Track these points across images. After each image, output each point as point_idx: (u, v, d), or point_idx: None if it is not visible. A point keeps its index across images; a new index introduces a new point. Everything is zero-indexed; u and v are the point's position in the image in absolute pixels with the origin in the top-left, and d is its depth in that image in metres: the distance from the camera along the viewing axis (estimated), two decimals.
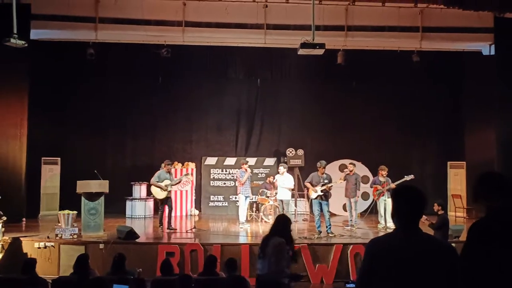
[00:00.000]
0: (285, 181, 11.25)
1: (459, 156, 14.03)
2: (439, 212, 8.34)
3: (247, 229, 11.12)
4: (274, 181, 11.94)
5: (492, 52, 12.78)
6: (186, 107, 14.44)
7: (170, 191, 10.93)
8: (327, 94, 14.50)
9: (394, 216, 2.59)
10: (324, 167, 10.53)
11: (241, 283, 5.80)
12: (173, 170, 12.24)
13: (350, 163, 11.53)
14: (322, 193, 10.25)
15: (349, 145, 14.32)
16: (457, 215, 13.18)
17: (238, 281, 5.83)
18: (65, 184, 12.54)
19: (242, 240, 9.95)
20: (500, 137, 12.37)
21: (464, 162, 13.83)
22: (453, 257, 2.42)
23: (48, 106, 13.08)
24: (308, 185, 10.46)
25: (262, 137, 14.88)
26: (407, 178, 10.71)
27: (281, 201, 11.23)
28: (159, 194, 10.80)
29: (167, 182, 10.78)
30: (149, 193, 13.15)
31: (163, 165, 13.08)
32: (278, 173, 11.50)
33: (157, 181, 10.78)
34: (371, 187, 11.48)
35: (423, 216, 9.75)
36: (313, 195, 10.34)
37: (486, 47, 13.02)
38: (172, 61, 12.68)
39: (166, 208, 10.92)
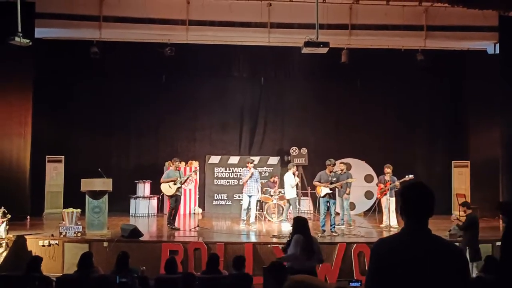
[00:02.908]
0: (292, 179, 11.29)
1: (463, 155, 13.99)
2: (467, 212, 8.29)
3: (250, 228, 10.99)
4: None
5: (497, 51, 12.73)
6: (190, 106, 14.44)
7: (179, 189, 10.94)
8: (331, 92, 14.49)
9: (401, 214, 2.53)
10: (334, 165, 10.51)
11: (246, 280, 5.80)
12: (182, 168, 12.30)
13: (341, 162, 11.51)
14: (331, 191, 10.24)
15: (353, 144, 14.29)
16: (461, 214, 13.11)
17: (242, 278, 5.84)
18: (69, 182, 12.58)
19: (245, 238, 9.97)
20: (504, 136, 12.34)
21: (468, 161, 13.80)
22: (459, 259, 2.36)
23: (52, 105, 13.13)
24: (317, 183, 10.43)
25: (265, 135, 14.88)
26: (406, 178, 10.67)
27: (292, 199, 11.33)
28: (168, 191, 10.85)
29: (176, 177, 10.87)
30: (154, 191, 13.24)
31: (167, 163, 13.19)
32: (289, 171, 11.45)
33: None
34: (377, 185, 11.46)
35: (454, 215, 9.67)
36: (322, 193, 10.31)
37: (490, 46, 12.97)
38: (176, 59, 12.67)
39: (170, 206, 10.98)
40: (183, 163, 13.18)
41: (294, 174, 11.42)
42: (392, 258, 2.39)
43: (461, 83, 14.20)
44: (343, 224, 11.07)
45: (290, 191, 11.24)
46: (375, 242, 2.56)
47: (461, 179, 14.03)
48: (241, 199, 11.99)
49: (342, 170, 11.23)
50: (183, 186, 11.26)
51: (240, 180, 13.61)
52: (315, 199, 12.18)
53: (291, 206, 11.44)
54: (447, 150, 14.41)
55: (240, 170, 13.89)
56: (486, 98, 12.85)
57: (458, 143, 14.22)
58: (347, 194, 11.08)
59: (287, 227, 10.74)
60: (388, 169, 11.12)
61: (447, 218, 9.65)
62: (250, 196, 11.17)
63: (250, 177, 11.07)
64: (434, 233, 2.44)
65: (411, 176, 10.66)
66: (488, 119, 12.99)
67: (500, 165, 12.30)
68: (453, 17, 12.27)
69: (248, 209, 11.25)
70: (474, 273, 7.32)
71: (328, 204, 10.33)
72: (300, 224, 6.01)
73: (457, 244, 8.99)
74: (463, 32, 12.52)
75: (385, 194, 11.06)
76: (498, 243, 8.11)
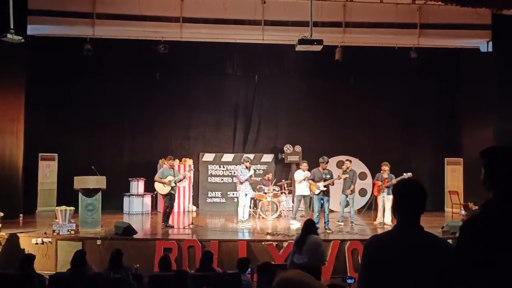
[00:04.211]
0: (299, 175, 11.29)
1: (456, 153, 14.06)
2: (473, 208, 8.42)
3: (248, 227, 10.89)
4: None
5: (490, 49, 12.79)
6: (184, 103, 14.41)
7: (173, 187, 10.87)
8: (325, 90, 14.49)
9: (394, 211, 2.55)
10: (327, 163, 10.54)
11: (237, 278, 5.81)
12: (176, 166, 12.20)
13: (347, 160, 11.53)
14: (324, 189, 10.27)
15: (347, 142, 14.32)
16: (454, 211, 13.22)
17: (233, 275, 5.85)
18: (63, 180, 12.54)
19: (239, 236, 9.96)
20: (497, 133, 12.39)
21: (461, 159, 13.87)
22: (450, 255, 2.35)
23: (45, 102, 13.05)
24: (311, 181, 10.45)
25: (259, 133, 14.88)
26: (405, 176, 10.69)
27: (304, 196, 11.28)
28: (162, 190, 10.81)
29: (170, 178, 10.79)
30: (147, 189, 13.20)
31: (161, 161, 13.16)
32: (300, 169, 11.34)
33: (161, 178, 10.81)
34: (374, 183, 11.47)
35: (463, 212, 9.75)
36: (316, 191, 10.33)
37: (484, 44, 13.04)
38: (170, 57, 12.63)
39: (165, 204, 10.94)
40: (177, 161, 13.17)
41: (303, 169, 11.24)
42: (384, 255, 2.41)
43: (455, 81, 14.26)
44: (343, 222, 11.10)
45: (297, 188, 11.19)
46: (368, 239, 2.58)
47: (454, 176, 14.10)
48: (235, 197, 11.97)
49: (347, 168, 11.23)
50: (177, 184, 11.20)
51: (234, 178, 13.58)
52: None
53: (301, 203, 11.32)
54: (440, 147, 14.47)
55: (236, 167, 13.86)
56: (479, 96, 12.90)
57: (451, 140, 14.28)
58: (350, 190, 11.08)
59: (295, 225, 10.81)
60: (385, 167, 11.12)
61: (440, 215, 9.73)
62: (246, 194, 11.09)
63: (251, 176, 11.02)
64: (427, 230, 2.45)
65: (409, 174, 10.65)
66: (482, 116, 13.04)
67: None
68: (446, 15, 12.31)
69: (242, 206, 11.17)
70: None
71: (321, 202, 10.36)
72: (303, 225, 6.63)
73: (450, 241, 9.07)
74: (456, 30, 12.57)
75: (382, 192, 11.07)
76: None
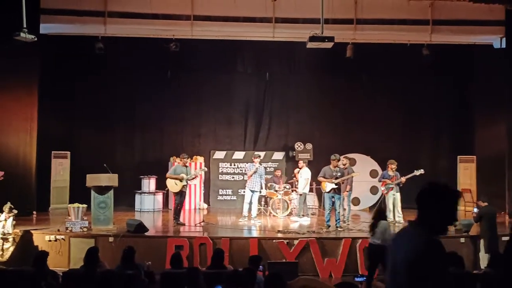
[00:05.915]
0: (306, 173, 11.44)
1: (469, 150, 13.93)
2: (482, 205, 8.51)
3: (254, 223, 10.95)
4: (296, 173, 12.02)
5: (504, 45, 12.62)
6: (195, 101, 14.46)
7: (185, 186, 10.85)
8: (336, 87, 14.44)
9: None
10: (338, 160, 10.50)
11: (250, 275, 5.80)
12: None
13: (344, 157, 11.45)
14: (336, 187, 10.24)
15: (358, 139, 14.26)
16: (467, 209, 13.09)
17: (244, 273, 5.84)
18: (75, 177, 12.64)
19: (250, 233, 9.98)
20: (511, 131, 12.25)
21: (474, 156, 13.73)
22: (413, 255, 2.43)
23: (58, 100, 13.16)
24: (322, 179, 10.42)
25: (270, 131, 14.86)
26: (417, 172, 10.62)
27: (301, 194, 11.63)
28: (174, 187, 10.82)
29: (183, 176, 10.81)
30: (159, 187, 13.26)
31: (172, 159, 13.20)
32: (299, 167, 11.78)
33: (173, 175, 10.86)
34: (380, 181, 11.40)
35: (475, 210, 9.86)
36: (327, 188, 10.31)
37: (497, 40, 12.85)
38: (181, 55, 12.67)
39: (175, 201, 10.97)
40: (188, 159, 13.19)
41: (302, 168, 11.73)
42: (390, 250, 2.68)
43: (467, 78, 14.10)
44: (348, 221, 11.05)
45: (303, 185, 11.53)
46: None
47: (466, 174, 13.96)
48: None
49: (344, 165, 11.18)
50: (188, 182, 11.21)
51: (245, 176, 13.61)
52: (320, 195, 12.20)
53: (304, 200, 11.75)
54: (453, 145, 14.34)
55: (246, 165, 13.90)
56: (492, 93, 12.75)
57: (464, 138, 14.15)
58: (347, 191, 11.06)
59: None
60: (392, 165, 11.06)
61: None
62: (252, 191, 11.14)
63: (255, 172, 11.05)
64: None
65: (421, 171, 10.59)
66: (494, 114, 12.90)
67: (506, 160, 12.23)
68: (459, 11, 12.18)
69: (250, 204, 11.19)
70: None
71: (333, 199, 10.33)
72: (374, 212, 8.02)
73: (462, 239, 9.06)
74: (469, 26, 12.42)
75: (391, 190, 10.99)
76: (504, 238, 8.16)
